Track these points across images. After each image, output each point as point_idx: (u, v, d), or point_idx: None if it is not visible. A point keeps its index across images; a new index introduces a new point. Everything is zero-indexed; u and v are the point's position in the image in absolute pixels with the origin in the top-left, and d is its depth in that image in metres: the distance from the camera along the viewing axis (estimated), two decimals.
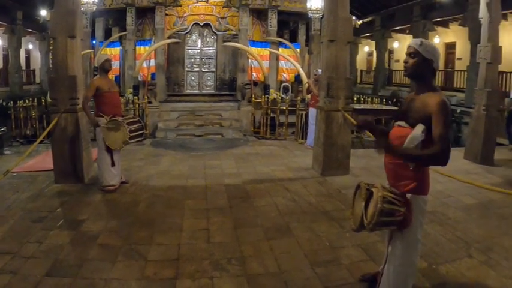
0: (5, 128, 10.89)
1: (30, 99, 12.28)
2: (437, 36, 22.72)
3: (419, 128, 2.88)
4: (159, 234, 4.99)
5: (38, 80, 27.64)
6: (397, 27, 24.48)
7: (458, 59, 21.69)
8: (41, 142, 7.18)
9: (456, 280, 3.99)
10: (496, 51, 9.01)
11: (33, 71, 28.34)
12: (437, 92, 2.95)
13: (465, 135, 12.55)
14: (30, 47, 28.83)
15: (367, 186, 3.09)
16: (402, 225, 2.96)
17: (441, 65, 22.85)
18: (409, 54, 3.06)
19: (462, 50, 20.78)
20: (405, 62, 3.08)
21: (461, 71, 19.90)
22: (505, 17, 15.25)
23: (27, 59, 28.76)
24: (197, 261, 4.30)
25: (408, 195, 2.99)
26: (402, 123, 3.06)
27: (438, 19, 20.79)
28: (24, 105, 11.95)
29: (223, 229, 5.21)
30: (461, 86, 19.33)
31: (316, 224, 5.39)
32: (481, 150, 9.13)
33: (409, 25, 22.52)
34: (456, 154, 9.70)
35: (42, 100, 12.01)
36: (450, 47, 23.09)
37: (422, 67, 3.01)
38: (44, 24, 22.68)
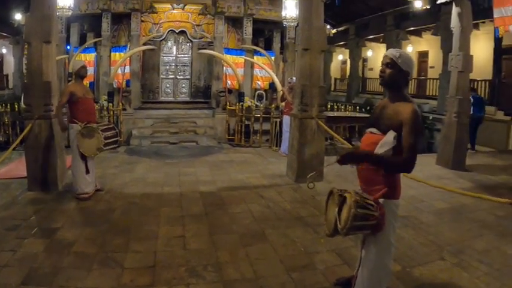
0: None
1: (3, 104, 12.08)
2: (410, 45, 23.16)
3: (390, 135, 2.97)
4: (135, 241, 4.99)
5: (11, 85, 27.03)
6: (371, 36, 24.89)
7: (431, 67, 22.12)
8: (14, 149, 7.08)
9: (429, 282, 4.11)
10: (467, 59, 9.27)
11: (6, 76, 27.71)
12: (409, 102, 3.04)
13: (437, 142, 12.81)
14: (4, 51, 28.20)
15: (339, 192, 3.16)
16: (375, 229, 3.03)
17: (414, 73, 23.24)
18: (386, 65, 3.12)
19: (434, 58, 21.20)
20: (381, 71, 3.15)
21: (433, 79, 20.32)
22: (476, 26, 15.65)
23: (0, 63, 28.17)
24: (173, 268, 4.31)
25: (380, 200, 3.06)
26: (374, 130, 3.14)
27: (411, 28, 21.27)
28: None
29: (199, 236, 5.23)
30: (434, 94, 19.76)
31: (291, 230, 5.45)
32: (453, 156, 9.36)
33: (382, 34, 22.93)
34: (428, 160, 9.92)
35: (16, 106, 11.85)
36: (423, 55, 23.52)
37: (398, 78, 3.10)
38: (18, 28, 22.24)
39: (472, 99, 11.51)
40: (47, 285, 3.85)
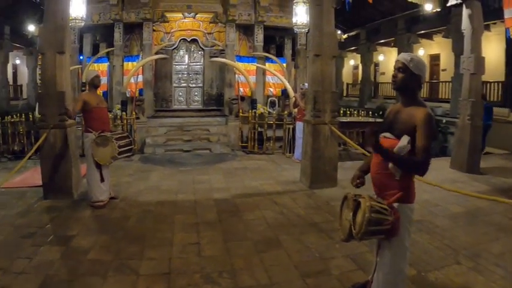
0: None
1: (18, 114, 12.21)
2: (421, 48, 23.00)
3: (404, 139, 2.97)
4: (150, 248, 5.01)
5: (25, 95, 27.39)
6: (382, 41, 24.80)
7: (443, 70, 21.95)
8: (29, 158, 7.15)
9: (445, 286, 4.07)
10: (479, 61, 9.20)
11: (20, 86, 28.12)
12: (422, 106, 3.04)
13: (451, 145, 12.70)
14: (18, 62, 28.61)
15: (354, 197, 3.16)
16: (390, 234, 3.02)
17: (426, 76, 23.02)
18: (397, 69, 3.13)
19: (446, 61, 21.04)
20: (394, 76, 3.15)
21: (446, 82, 20.17)
22: (487, 27, 15.53)
23: (14, 74, 28.53)
24: (188, 274, 4.32)
25: (395, 204, 3.05)
26: (387, 134, 3.14)
27: (422, 31, 21.12)
28: (12, 120, 11.87)
29: (213, 243, 5.24)
30: (446, 97, 19.59)
31: (305, 236, 5.44)
32: (467, 159, 9.30)
33: (393, 38, 22.84)
34: (442, 164, 9.85)
35: (30, 116, 11.98)
36: (434, 58, 23.35)
37: (410, 82, 3.09)
38: (31, 39, 22.55)
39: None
40: None
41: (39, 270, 4.32)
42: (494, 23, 15.98)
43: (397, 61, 3.15)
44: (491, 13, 13.24)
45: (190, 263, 4.61)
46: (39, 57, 8.02)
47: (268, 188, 8.00)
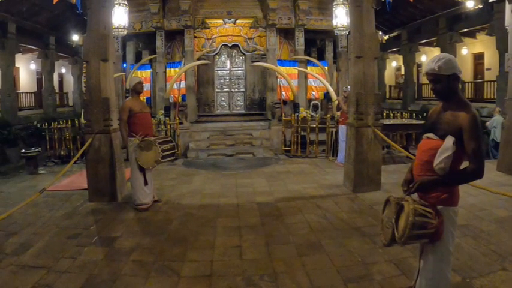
0: (39, 148, 11.28)
1: (64, 121, 12.61)
2: (464, 47, 22.29)
3: (449, 140, 2.87)
4: (192, 251, 5.02)
5: (70, 102, 28.31)
6: (424, 41, 24.14)
7: (488, 69, 21.20)
8: (74, 162, 7.33)
9: None
10: None
11: (66, 93, 29.05)
12: (467, 105, 2.94)
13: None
14: (63, 70, 29.57)
15: (396, 200, 3.07)
16: (434, 237, 2.93)
17: (470, 76, 22.49)
18: (431, 81, 3.05)
19: (491, 60, 20.33)
20: (432, 89, 3.09)
21: (490, 81, 19.49)
22: None
23: (60, 82, 29.54)
24: (230, 277, 4.30)
25: (439, 207, 2.96)
26: (431, 135, 3.05)
27: (465, 30, 20.36)
28: (58, 126, 12.33)
29: (255, 246, 5.20)
30: (492, 97, 18.90)
31: (348, 240, 5.33)
32: None
33: (435, 38, 22.26)
34: (489, 166, 9.47)
35: (76, 122, 12.34)
36: (478, 57, 22.61)
37: (448, 86, 3.01)
38: (76, 49, 23.42)
39: None
40: None
41: (82, 269, 4.41)
42: None
43: (427, 74, 3.07)
44: None
45: (231, 266, 4.59)
46: (84, 65, 8.26)
47: (311, 192, 7.92)
